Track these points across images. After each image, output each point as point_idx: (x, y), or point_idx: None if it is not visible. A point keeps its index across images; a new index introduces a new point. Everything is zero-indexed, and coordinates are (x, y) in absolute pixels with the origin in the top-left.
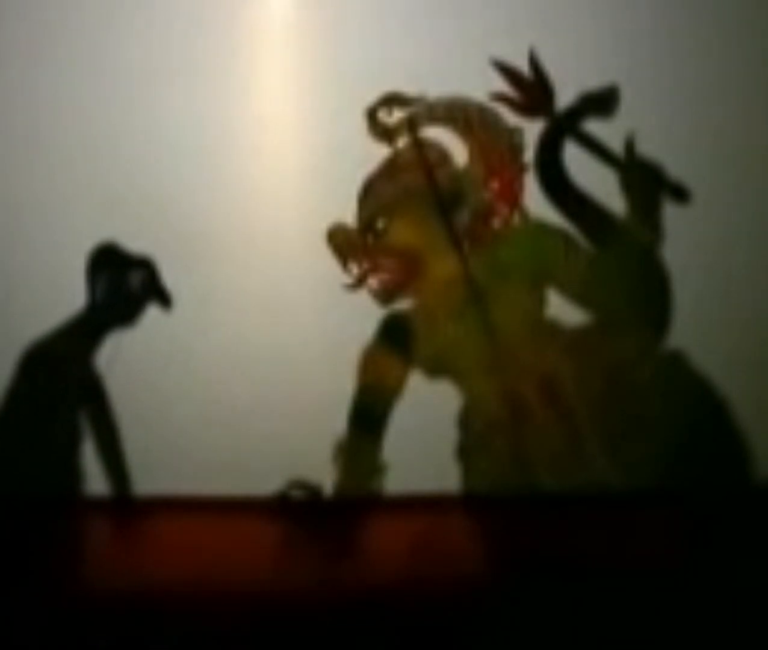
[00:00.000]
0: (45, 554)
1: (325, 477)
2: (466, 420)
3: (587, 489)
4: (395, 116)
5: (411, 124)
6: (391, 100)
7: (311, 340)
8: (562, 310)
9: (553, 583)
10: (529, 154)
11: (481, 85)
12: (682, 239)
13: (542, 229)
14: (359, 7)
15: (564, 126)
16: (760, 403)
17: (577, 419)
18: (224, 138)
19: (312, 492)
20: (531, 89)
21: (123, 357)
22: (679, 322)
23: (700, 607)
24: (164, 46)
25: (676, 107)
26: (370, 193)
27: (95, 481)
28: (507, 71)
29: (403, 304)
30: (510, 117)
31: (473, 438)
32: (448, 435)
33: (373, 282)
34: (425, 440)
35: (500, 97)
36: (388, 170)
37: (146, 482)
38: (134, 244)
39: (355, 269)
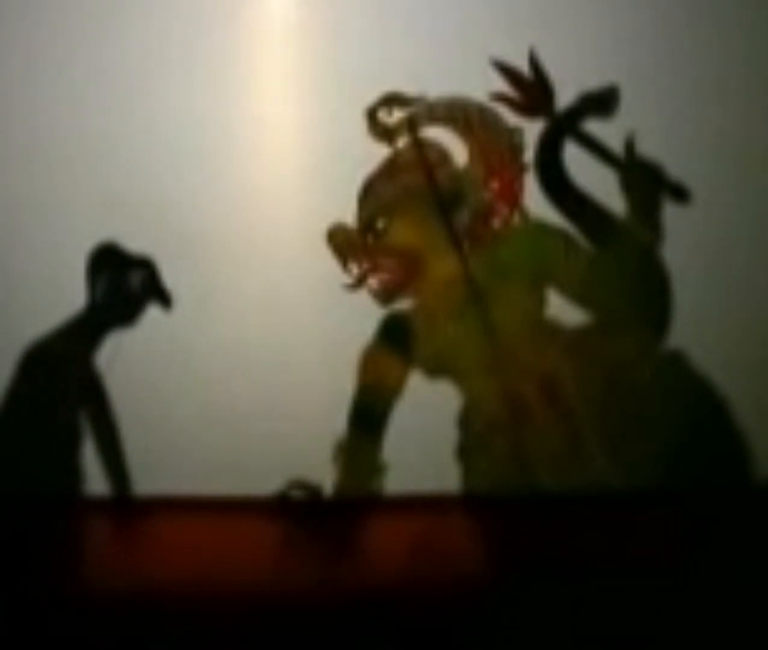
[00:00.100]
0: (45, 554)
1: (325, 477)
2: (466, 420)
3: (587, 489)
4: (395, 116)
5: (411, 124)
6: (391, 100)
7: (311, 340)
8: (562, 309)
9: (553, 583)
10: (529, 154)
11: (481, 85)
12: (682, 239)
13: (542, 229)
14: (359, 7)
15: (564, 126)
16: (760, 403)
17: (577, 419)
18: (224, 138)
19: (312, 492)
20: (531, 89)
21: (123, 357)
22: (679, 322)
23: (700, 607)
24: (164, 46)
25: (676, 107)
26: (370, 193)
27: (95, 481)
28: (507, 71)
29: (403, 304)
30: (510, 117)
31: (473, 438)
32: (448, 435)
33: (373, 282)
34: (425, 440)
35: (500, 97)
36: (388, 170)
37: (146, 482)
38: (134, 244)
39: (355, 269)
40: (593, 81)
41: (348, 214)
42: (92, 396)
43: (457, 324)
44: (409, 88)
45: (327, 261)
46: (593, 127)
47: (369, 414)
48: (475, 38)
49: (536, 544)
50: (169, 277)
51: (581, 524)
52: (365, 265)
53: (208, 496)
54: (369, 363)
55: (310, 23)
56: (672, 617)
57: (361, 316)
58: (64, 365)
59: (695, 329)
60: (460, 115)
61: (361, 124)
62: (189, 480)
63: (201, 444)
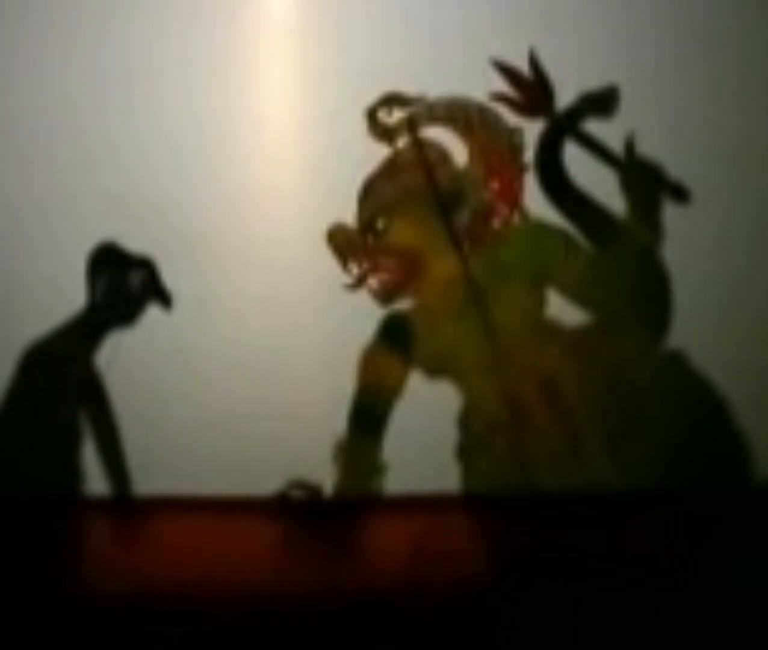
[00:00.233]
0: (45, 554)
1: (325, 477)
2: (466, 421)
3: (587, 489)
4: (395, 116)
5: (411, 124)
6: (391, 100)
7: (311, 340)
8: (562, 309)
9: (553, 583)
10: (529, 154)
11: (481, 85)
12: (682, 239)
13: (542, 229)
14: (359, 7)
15: (564, 126)
16: (760, 403)
17: (577, 419)
18: (224, 138)
19: (312, 492)
20: (531, 89)
21: (123, 357)
22: (679, 322)
23: (700, 607)
24: (163, 45)
25: (676, 107)
26: (370, 193)
27: (95, 481)
28: (507, 71)
29: (403, 304)
30: (510, 117)
31: (473, 438)
32: (448, 435)
33: (373, 282)
34: (425, 440)
35: (500, 97)
36: (388, 170)
37: (146, 482)
38: (134, 244)
39: (355, 269)
40: (593, 81)
41: (348, 214)
42: (92, 396)
43: (457, 324)
44: (409, 88)
45: (327, 261)
46: (593, 127)
47: (369, 414)
48: (475, 38)
49: (536, 544)
50: (168, 277)
51: (581, 524)
52: (365, 265)
53: (208, 496)
54: (369, 363)
55: (310, 23)
56: (672, 617)
57: (361, 316)
58: (64, 365)
59: (695, 329)
60: (460, 115)
61: (361, 124)
62: (189, 480)
63: (201, 443)
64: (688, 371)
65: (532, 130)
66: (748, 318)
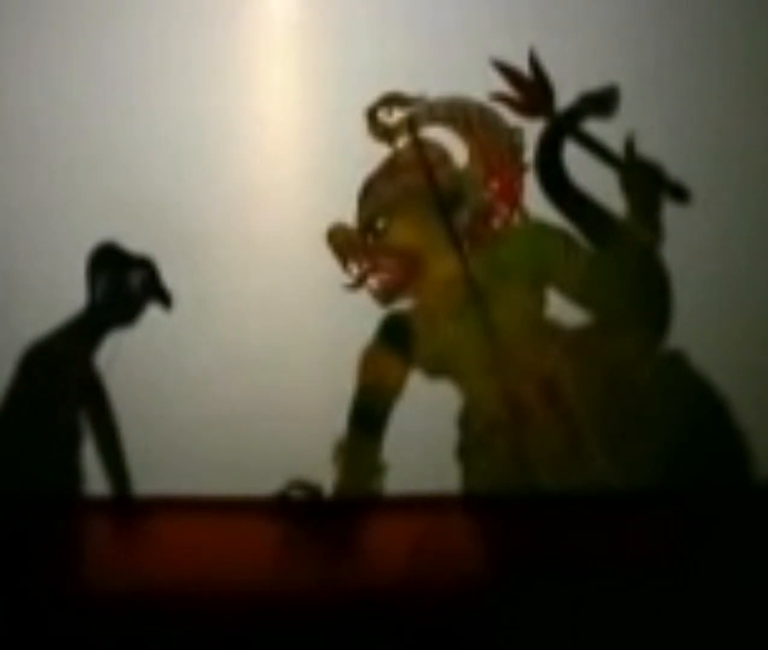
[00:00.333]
0: (45, 554)
1: (325, 477)
2: (466, 421)
3: (587, 489)
4: (395, 116)
5: (411, 124)
6: (391, 100)
7: (311, 340)
8: (562, 310)
9: (553, 583)
10: (529, 154)
11: (481, 85)
12: (682, 239)
13: (542, 229)
14: (359, 7)
15: (564, 126)
16: (760, 403)
17: (577, 419)
18: (224, 138)
19: (312, 492)
20: (531, 89)
21: (123, 357)
22: (679, 322)
23: (700, 607)
24: (164, 45)
25: (676, 107)
26: (370, 193)
27: (95, 481)
28: (507, 71)
29: (403, 304)
30: (510, 117)
31: (473, 439)
32: (448, 435)
33: (373, 282)
34: (425, 440)
35: (500, 97)
36: (388, 170)
37: (146, 482)
38: (134, 244)
39: (355, 269)
40: (593, 81)
41: (348, 214)
42: (92, 396)
43: (457, 324)
44: (409, 88)
45: (327, 261)
46: (593, 127)
47: (369, 414)
48: (475, 38)
49: (536, 544)
50: (168, 277)
51: (581, 524)
52: (365, 265)
53: (208, 496)
54: (369, 363)
55: (311, 23)
56: (672, 617)
57: (361, 316)
58: (64, 365)
59: (695, 329)
60: (460, 115)
61: (361, 124)
62: (189, 480)
63: (201, 443)
64: (688, 371)
65: (532, 130)
66: (748, 318)
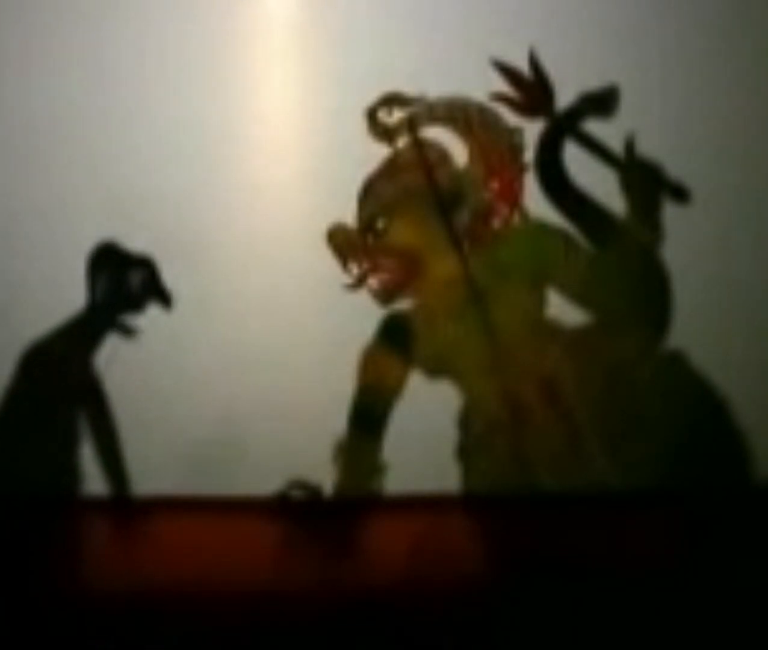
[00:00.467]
0: (44, 554)
1: (325, 477)
2: (466, 421)
3: (587, 489)
4: (395, 116)
5: (411, 124)
6: (391, 100)
7: (311, 340)
8: (562, 310)
9: (553, 583)
10: (529, 154)
11: (481, 85)
12: (682, 239)
13: (542, 229)
14: (360, 7)
15: (564, 126)
16: (760, 403)
17: (577, 419)
18: (224, 138)
19: (312, 492)
20: (531, 89)
21: (122, 357)
22: (679, 322)
23: (700, 607)
24: (164, 47)
25: (676, 107)
26: (370, 193)
27: (94, 481)
28: (507, 71)
29: (403, 304)
30: (510, 117)
31: (473, 439)
32: (448, 435)
33: (373, 282)
34: (425, 440)
35: (500, 97)
36: (388, 170)
37: (146, 482)
38: (133, 244)
39: (355, 269)
40: (593, 81)
41: (348, 214)
42: (92, 397)
43: (457, 324)
44: (409, 88)
45: (327, 261)
46: (593, 127)
47: (369, 414)
48: (475, 38)
49: (536, 544)
50: (168, 277)
51: (581, 524)
52: (365, 265)
53: (208, 496)
54: (369, 363)
55: (311, 24)
56: (672, 617)
57: (361, 316)
58: (64, 365)
59: (695, 329)
60: (460, 115)
61: (361, 124)
62: (189, 479)
63: (200, 443)
64: (688, 371)
65: (532, 130)
66: (748, 318)
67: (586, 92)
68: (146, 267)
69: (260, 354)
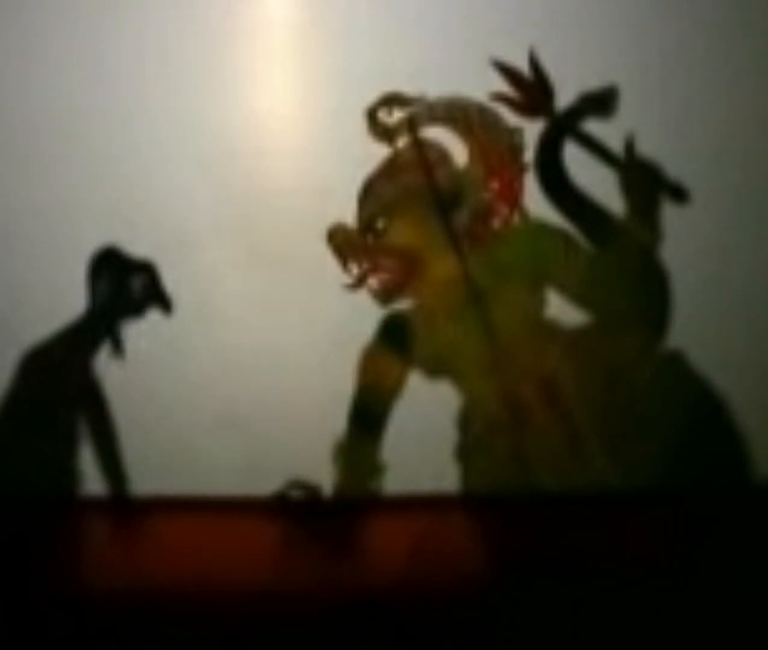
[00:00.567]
0: (44, 555)
1: (325, 477)
2: (465, 421)
3: (587, 489)
4: (395, 116)
5: (411, 124)
6: (391, 100)
7: (311, 341)
8: (562, 310)
9: (553, 583)
10: (529, 154)
11: (481, 85)
12: (682, 239)
13: (542, 229)
14: (359, 7)
15: (564, 126)
16: (760, 403)
17: (576, 419)
18: (223, 138)
19: (312, 492)
20: (531, 89)
21: (123, 359)
22: (679, 322)
23: (700, 607)
24: (163, 47)
25: (675, 107)
26: (370, 193)
27: (94, 481)
28: (507, 71)
29: (403, 304)
30: (510, 117)
31: (473, 439)
32: (448, 436)
33: (373, 282)
34: (425, 440)
35: (500, 97)
36: (388, 170)
37: (146, 482)
38: (133, 247)
39: (355, 269)
40: (593, 81)
41: (348, 214)
42: (91, 399)
43: (457, 324)
44: (409, 88)
45: (327, 261)
46: (593, 127)
47: (369, 414)
48: (475, 38)
49: (536, 544)
50: (167, 279)
51: (581, 524)
52: (365, 265)
53: (208, 496)
54: (369, 363)
55: (311, 23)
56: (672, 617)
57: (361, 316)
58: (64, 368)
59: (695, 329)
60: (460, 115)
61: (361, 124)
62: (188, 480)
63: (200, 443)
64: (688, 371)
65: (532, 130)
66: (748, 318)
67: (586, 92)
68: (147, 271)
69: (260, 354)
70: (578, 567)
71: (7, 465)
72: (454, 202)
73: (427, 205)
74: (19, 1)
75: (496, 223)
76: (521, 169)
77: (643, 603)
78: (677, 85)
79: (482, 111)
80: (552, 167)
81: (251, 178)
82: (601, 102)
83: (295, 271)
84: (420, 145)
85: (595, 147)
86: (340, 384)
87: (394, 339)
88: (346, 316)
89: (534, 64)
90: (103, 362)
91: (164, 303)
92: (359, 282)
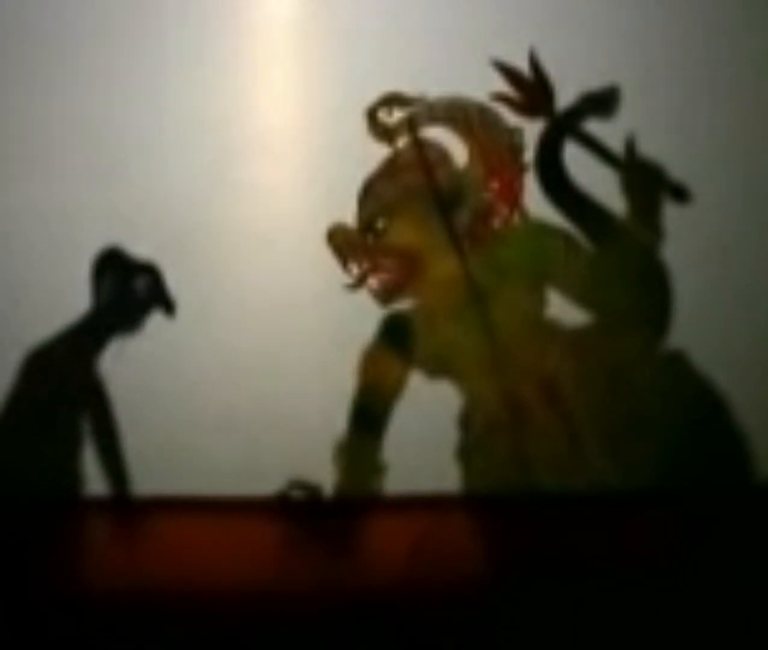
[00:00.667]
0: (45, 555)
1: (325, 477)
2: (466, 421)
3: (587, 489)
4: (395, 116)
5: (411, 124)
6: (391, 100)
7: (311, 340)
8: (562, 310)
9: (553, 583)
10: (529, 154)
11: (481, 85)
12: (682, 239)
13: (542, 229)
14: (360, 8)
15: (564, 126)
16: (760, 403)
17: (577, 419)
18: (224, 138)
19: (312, 492)
20: (531, 89)
21: (123, 361)
22: (679, 322)
23: (700, 607)
24: (164, 48)
25: (676, 107)
26: (370, 193)
27: (96, 482)
28: (507, 71)
29: (403, 304)
30: (510, 117)
31: (473, 439)
32: (448, 435)
33: (373, 282)
34: (425, 440)
35: (500, 97)
36: (388, 170)
37: (146, 483)
38: (133, 247)
39: (355, 269)
40: (593, 81)
41: (348, 214)
42: (95, 400)
43: (457, 324)
44: (409, 88)
45: (327, 261)
46: (593, 127)
47: (369, 414)
48: (475, 38)
49: (536, 544)
50: (169, 280)
51: (581, 524)
52: (365, 265)
53: (208, 497)
54: (369, 363)
55: (311, 23)
56: (672, 617)
57: (361, 316)
58: (67, 369)
59: (695, 329)
60: (460, 115)
61: (361, 124)
62: (189, 480)
63: (201, 443)
64: (688, 371)
65: (532, 130)
66: (748, 318)
67: (586, 92)
68: (150, 273)
69: (260, 354)
70: (578, 567)
71: (8, 465)
72: (455, 202)
73: (428, 205)
74: (21, 4)
75: (497, 223)
76: (521, 169)
77: (643, 603)
78: (678, 85)
79: (482, 111)
80: (552, 167)
81: (252, 178)
82: (602, 102)
83: (295, 271)
84: (420, 145)
85: (595, 147)
86: (341, 384)
87: (395, 340)
88: (346, 316)
89: (534, 64)
90: (105, 363)
91: (167, 304)
92: (359, 282)
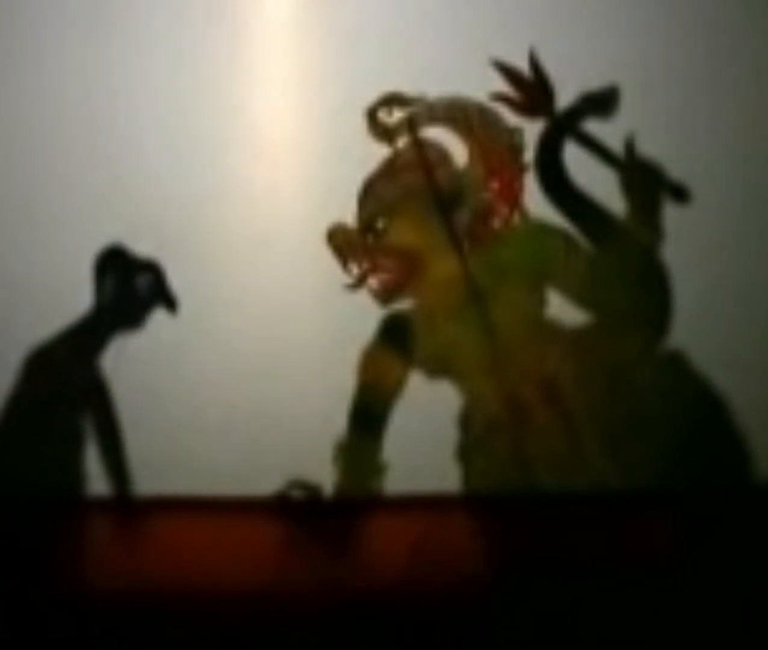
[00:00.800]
0: (46, 555)
1: (325, 477)
2: (466, 421)
3: (587, 489)
4: (395, 116)
5: (411, 124)
6: (391, 100)
7: (311, 340)
8: (562, 309)
9: (553, 583)
10: (529, 154)
11: (481, 85)
12: (682, 239)
13: (542, 229)
14: (360, 8)
15: (564, 126)
16: (760, 403)
17: (577, 419)
18: (224, 138)
19: (312, 492)
20: (531, 89)
21: (125, 360)
22: (679, 322)
23: (700, 607)
24: (163, 47)
25: (676, 107)
26: (370, 193)
27: (97, 482)
28: (507, 71)
29: (403, 304)
30: (510, 117)
31: (473, 439)
32: (448, 435)
33: (373, 282)
34: (425, 440)
35: (500, 97)
36: (388, 170)
37: (147, 482)
38: (133, 247)
39: (355, 269)
40: (593, 81)
41: (348, 214)
42: (97, 399)
43: (457, 324)
44: (409, 88)
45: (327, 261)
46: (593, 127)
47: (369, 414)
48: (475, 38)
49: (536, 544)
50: (170, 279)
51: (581, 524)
52: (365, 265)
53: (208, 496)
54: (369, 363)
55: (311, 23)
56: (671, 617)
57: (361, 315)
58: (68, 369)
59: (695, 329)
60: (460, 115)
61: (361, 124)
62: (189, 480)
63: (201, 443)
64: (688, 371)
65: (532, 130)
66: (748, 318)
67: (586, 92)
68: (153, 271)
69: (260, 354)
70: (578, 567)
71: (9, 465)
72: (455, 202)
73: (428, 205)
74: (24, 2)
75: (497, 223)
76: (521, 169)
77: (643, 603)
78: (678, 84)
79: (482, 111)
80: (552, 167)
81: (251, 178)
82: (602, 102)
83: (295, 271)
84: (420, 145)
85: (595, 147)
86: (341, 384)
87: (395, 340)
88: (346, 315)
89: (534, 64)
90: (106, 363)
91: (170, 302)
92: (359, 282)
